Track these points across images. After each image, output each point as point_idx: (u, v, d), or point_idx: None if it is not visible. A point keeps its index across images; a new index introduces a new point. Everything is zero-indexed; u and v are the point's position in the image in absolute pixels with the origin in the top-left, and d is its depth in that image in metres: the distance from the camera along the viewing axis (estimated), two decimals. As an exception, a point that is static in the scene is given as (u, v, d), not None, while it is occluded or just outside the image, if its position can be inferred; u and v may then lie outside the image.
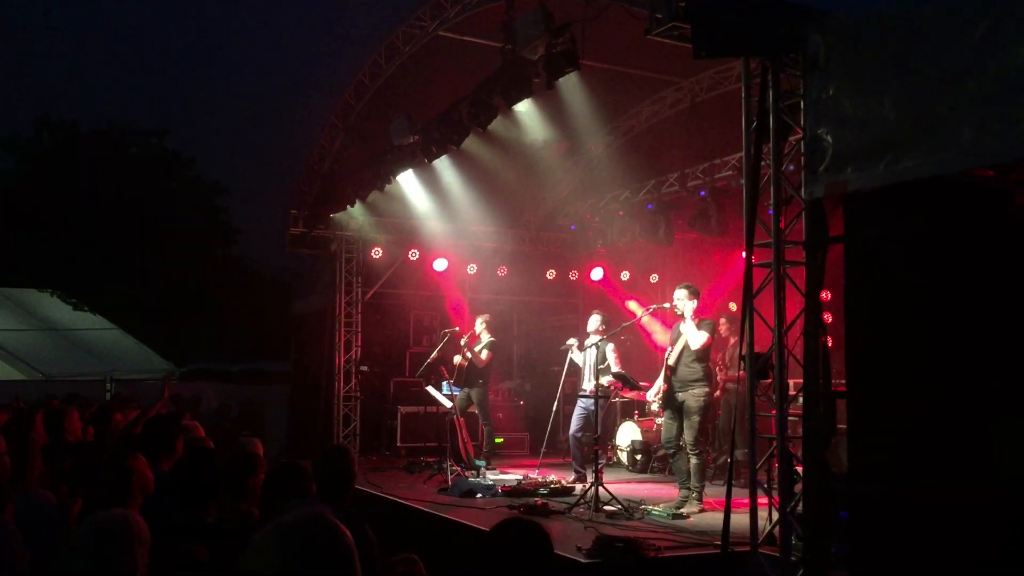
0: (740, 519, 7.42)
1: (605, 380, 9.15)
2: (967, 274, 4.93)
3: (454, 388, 11.03)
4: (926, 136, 4.83)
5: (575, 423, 10.15)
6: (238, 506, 4.27)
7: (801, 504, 5.65)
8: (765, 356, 5.97)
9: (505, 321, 14.37)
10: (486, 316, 11.58)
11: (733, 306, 12.18)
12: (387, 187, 10.70)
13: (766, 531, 6.09)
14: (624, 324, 9.38)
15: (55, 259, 23.97)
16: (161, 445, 4.82)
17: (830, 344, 5.85)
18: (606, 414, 10.36)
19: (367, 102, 11.06)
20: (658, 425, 11.78)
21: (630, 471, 11.53)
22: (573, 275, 14.68)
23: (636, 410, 12.49)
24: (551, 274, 14.55)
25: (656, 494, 9.22)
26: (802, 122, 5.80)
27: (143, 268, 23.95)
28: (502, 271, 14.23)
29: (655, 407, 11.90)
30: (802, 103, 5.83)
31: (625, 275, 14.80)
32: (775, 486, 6.08)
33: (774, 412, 5.87)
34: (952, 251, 4.98)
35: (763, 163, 6.09)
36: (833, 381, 5.70)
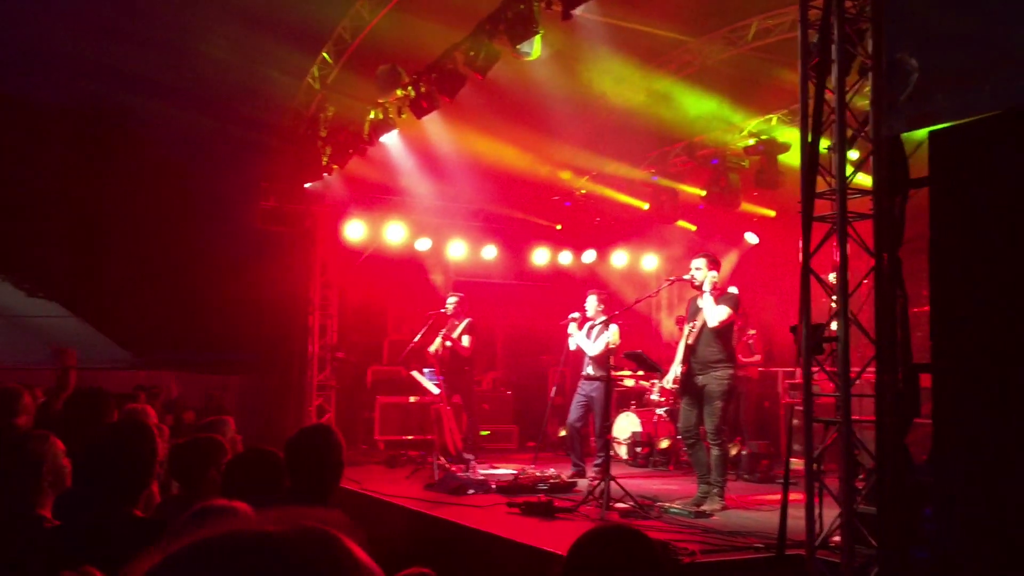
0: (796, 523, 6.59)
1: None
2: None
3: (440, 376, 10.07)
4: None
5: (574, 411, 9.22)
6: (189, 503, 3.24)
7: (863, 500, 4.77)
8: (821, 327, 5.06)
9: (490, 306, 13.38)
10: (457, 295, 10.48)
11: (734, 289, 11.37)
12: (369, 151, 9.65)
13: (822, 533, 5.15)
14: (641, 297, 8.40)
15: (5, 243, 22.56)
16: (87, 424, 3.78)
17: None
18: (595, 404, 9.41)
19: (347, 60, 10.02)
20: (659, 416, 10.91)
21: (631, 465, 10.63)
22: (564, 258, 13.72)
23: (634, 400, 11.61)
24: (541, 256, 13.57)
25: (667, 490, 8.33)
26: (870, 47, 4.89)
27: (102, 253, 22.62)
28: (488, 252, 13.20)
29: (655, 396, 11.08)
30: (871, 25, 4.93)
31: (621, 259, 13.90)
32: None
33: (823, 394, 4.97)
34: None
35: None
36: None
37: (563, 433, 11.71)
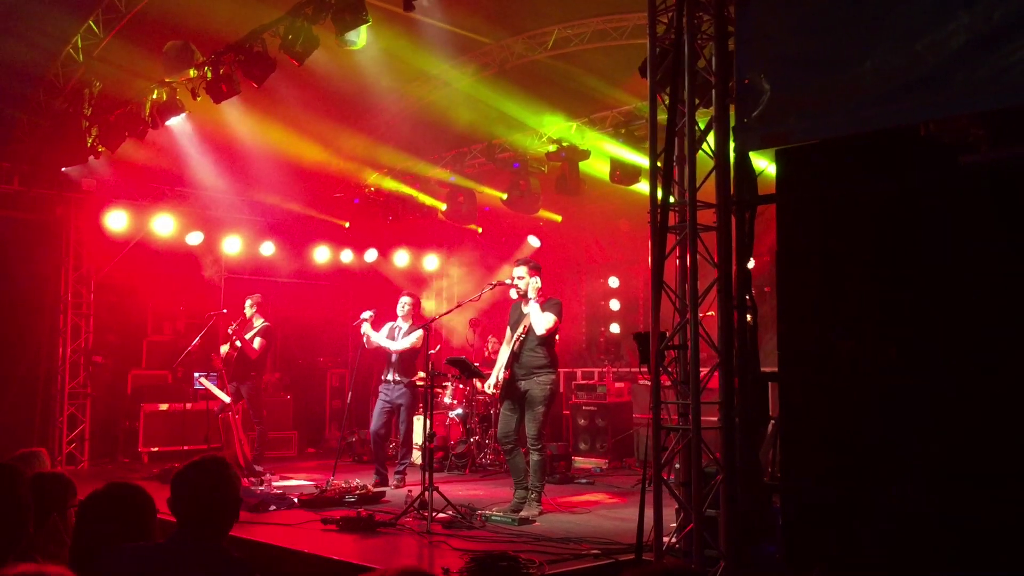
0: (614, 525, 6.71)
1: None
2: (919, 240, 4.43)
3: (226, 381, 9.31)
4: (898, 78, 4.24)
5: (378, 418, 8.90)
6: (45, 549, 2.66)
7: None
8: (667, 337, 5.18)
9: (267, 305, 12.58)
10: (257, 297, 9.96)
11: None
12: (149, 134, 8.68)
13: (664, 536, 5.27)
14: (462, 302, 8.20)
15: None
16: None
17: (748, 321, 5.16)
18: (401, 409, 9.14)
19: (121, 32, 8.93)
20: (451, 419, 10.83)
21: (423, 470, 10.41)
22: (346, 256, 13.23)
23: (421, 404, 11.42)
24: (322, 254, 12.99)
25: (475, 495, 8.25)
26: (713, 65, 5.08)
27: None
28: (267, 249, 12.40)
29: (447, 399, 10.97)
30: (714, 43, 5.13)
31: (403, 258, 13.65)
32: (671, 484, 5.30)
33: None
34: (902, 213, 4.46)
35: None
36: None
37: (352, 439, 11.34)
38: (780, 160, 4.78)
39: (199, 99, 7.90)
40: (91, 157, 9.47)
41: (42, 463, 3.73)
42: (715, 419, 4.97)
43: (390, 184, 11.93)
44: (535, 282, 7.24)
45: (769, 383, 4.98)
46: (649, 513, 5.08)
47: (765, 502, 4.90)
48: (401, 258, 13.76)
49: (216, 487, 2.71)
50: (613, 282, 12.79)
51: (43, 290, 11.13)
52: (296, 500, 7.63)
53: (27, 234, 11.02)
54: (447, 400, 10.99)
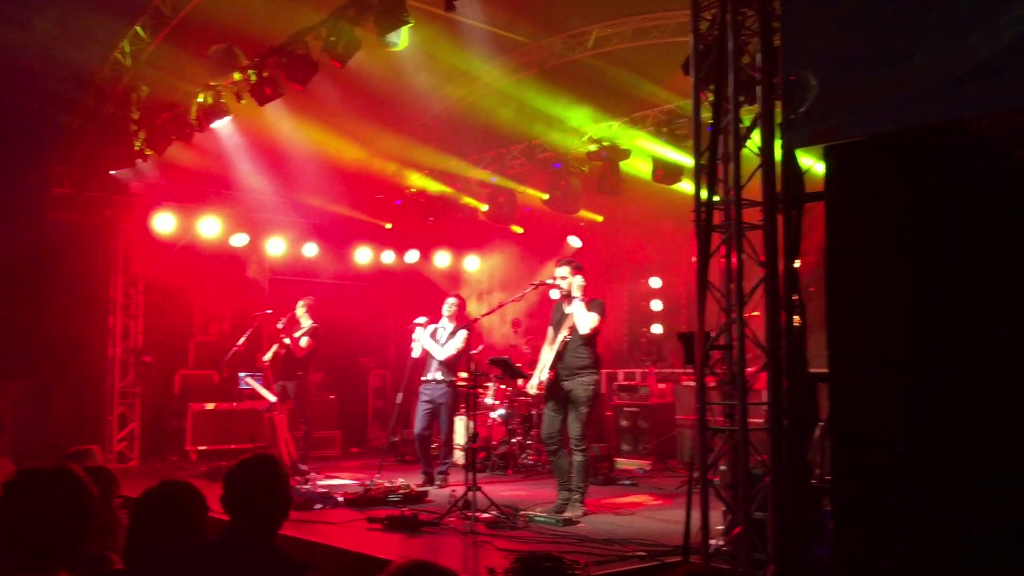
0: (659, 527, 6.67)
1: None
2: (971, 239, 4.32)
3: (272, 381, 9.45)
4: (949, 72, 4.15)
5: (421, 419, 8.93)
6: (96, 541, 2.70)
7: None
8: (713, 337, 5.13)
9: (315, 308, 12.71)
10: (308, 299, 10.08)
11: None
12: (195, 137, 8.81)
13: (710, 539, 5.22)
14: (505, 301, 8.18)
15: None
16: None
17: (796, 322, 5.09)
18: (443, 408, 9.16)
19: (168, 36, 9.07)
20: (493, 420, 10.84)
21: (466, 470, 10.43)
22: (387, 257, 13.32)
23: (463, 404, 11.45)
24: (364, 255, 13.09)
25: (518, 496, 8.25)
26: (759, 61, 5.02)
27: None
28: (310, 250, 12.52)
29: (489, 400, 10.97)
30: (759, 40, 5.06)
31: (444, 259, 13.70)
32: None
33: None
34: (953, 211, 4.35)
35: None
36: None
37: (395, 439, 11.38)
38: (828, 156, 4.68)
39: (243, 102, 7.99)
40: (139, 160, 9.66)
41: (93, 460, 3.80)
42: (760, 420, 4.91)
43: (431, 185, 11.98)
44: (579, 280, 7.22)
45: (818, 384, 4.89)
46: (695, 515, 5.03)
47: (814, 504, 4.82)
48: (442, 259, 13.82)
49: (267, 484, 2.74)
50: (655, 282, 12.70)
51: (93, 291, 11.38)
52: (341, 499, 7.69)
53: (78, 236, 11.27)
54: (488, 400, 11.00)
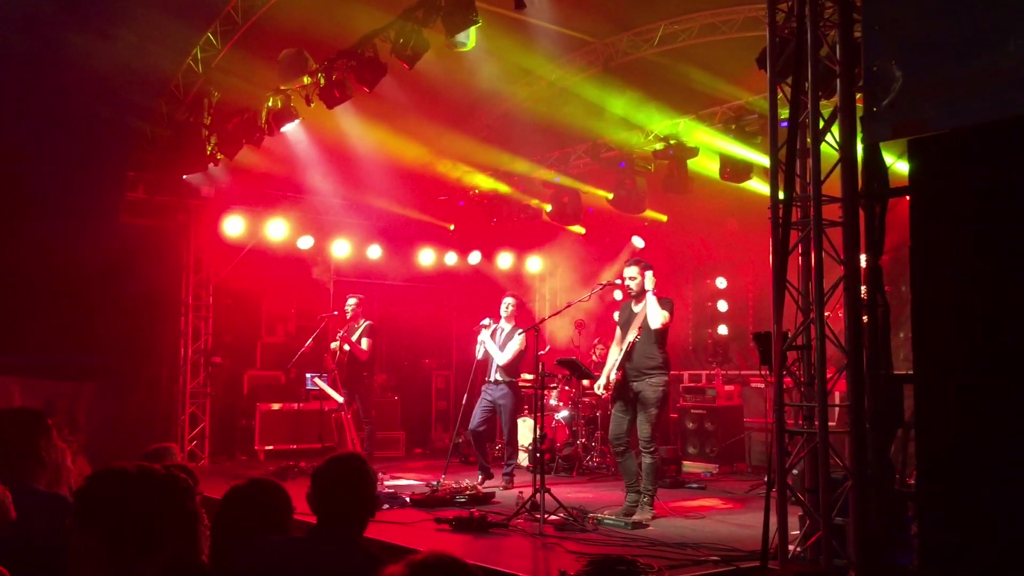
0: (731, 531, 6.55)
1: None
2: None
3: (338, 382, 9.53)
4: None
5: (477, 416, 8.91)
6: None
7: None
8: (791, 337, 4.99)
9: (373, 308, 12.80)
10: (358, 296, 10.02)
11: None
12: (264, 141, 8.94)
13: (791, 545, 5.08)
14: (572, 302, 8.12)
15: None
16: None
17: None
18: (503, 409, 9.12)
19: (239, 41, 9.23)
20: (557, 421, 10.77)
21: (533, 472, 10.39)
22: (450, 258, 13.35)
23: (527, 406, 11.42)
24: (427, 256, 13.14)
25: (584, 498, 8.16)
26: (838, 53, 4.87)
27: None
28: (374, 252, 12.62)
29: (553, 401, 10.91)
30: (839, 31, 4.91)
31: (506, 260, 13.69)
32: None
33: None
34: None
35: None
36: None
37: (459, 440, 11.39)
38: (913, 150, 4.53)
39: (312, 105, 8.07)
40: (210, 165, 9.83)
41: (173, 458, 3.84)
42: (834, 423, 4.77)
43: (494, 185, 11.97)
44: (650, 275, 7.13)
45: (903, 385, 4.73)
46: (772, 520, 4.90)
47: (897, 510, 4.66)
48: (504, 260, 13.80)
49: (354, 482, 2.73)
50: (720, 283, 12.49)
51: (166, 294, 11.62)
52: (408, 499, 7.71)
53: (151, 240, 11.53)
54: (553, 402, 10.94)
